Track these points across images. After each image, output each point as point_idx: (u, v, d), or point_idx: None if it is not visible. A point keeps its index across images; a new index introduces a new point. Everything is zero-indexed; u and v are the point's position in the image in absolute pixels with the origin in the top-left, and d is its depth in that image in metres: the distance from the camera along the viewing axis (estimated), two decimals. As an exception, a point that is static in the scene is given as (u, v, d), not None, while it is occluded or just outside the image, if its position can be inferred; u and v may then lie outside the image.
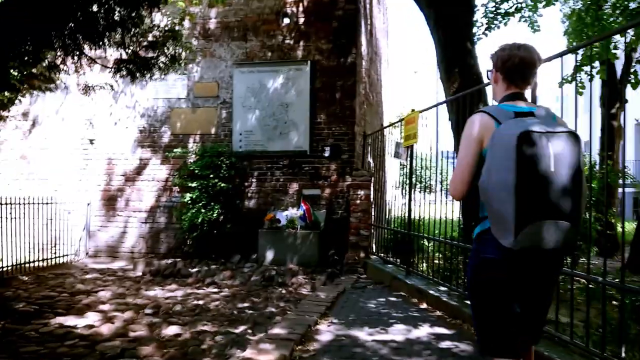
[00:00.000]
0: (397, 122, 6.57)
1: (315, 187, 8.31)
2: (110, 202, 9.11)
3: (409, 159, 6.14)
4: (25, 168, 9.49)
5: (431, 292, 5.01)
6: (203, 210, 8.02)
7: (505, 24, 8.93)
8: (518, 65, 2.07)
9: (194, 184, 8.14)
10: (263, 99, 8.53)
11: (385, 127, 7.66)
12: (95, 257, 9.00)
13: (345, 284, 6.39)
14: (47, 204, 8.20)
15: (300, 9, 8.46)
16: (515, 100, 2.07)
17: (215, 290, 6.33)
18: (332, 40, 8.31)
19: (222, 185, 8.12)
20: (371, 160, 8.62)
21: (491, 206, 1.87)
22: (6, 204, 7.19)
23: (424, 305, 5.03)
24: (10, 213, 7.23)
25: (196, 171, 8.21)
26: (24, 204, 7.55)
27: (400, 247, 6.39)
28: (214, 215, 8.00)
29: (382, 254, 7.35)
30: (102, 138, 9.20)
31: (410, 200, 6.05)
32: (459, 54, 6.47)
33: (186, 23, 8.72)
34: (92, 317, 4.82)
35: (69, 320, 4.69)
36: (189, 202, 8.14)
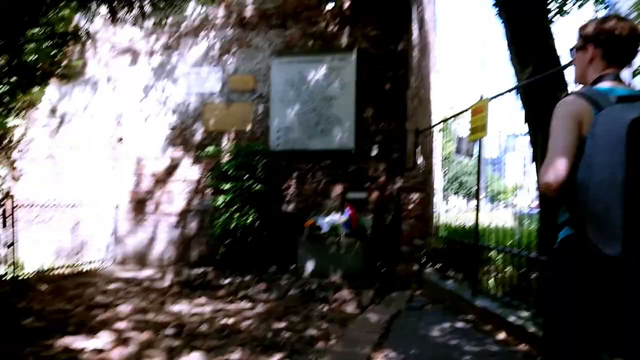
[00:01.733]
0: (462, 112, 5.59)
1: (361, 190, 7.42)
2: (139, 205, 8.48)
3: (475, 155, 5.20)
4: (52, 168, 8.99)
5: (511, 319, 4.03)
6: (237, 215, 7.26)
7: (580, 6, 7.84)
8: (627, 39, 1.74)
9: (227, 186, 7.40)
10: (303, 93, 7.72)
11: (447, 119, 6.71)
12: (123, 264, 8.38)
13: (398, 302, 5.49)
14: (73, 206, 7.68)
15: (346, -9, 7.62)
16: (613, 82, 1.74)
17: (248, 305, 5.57)
18: (381, 26, 7.42)
19: (258, 187, 7.35)
20: (421, 161, 7.68)
21: (592, 208, 1.58)
22: (30, 206, 6.74)
23: (501, 336, 4.06)
24: (36, 216, 6.77)
25: (230, 172, 7.46)
26: (49, 206, 7.05)
27: (465, 259, 5.44)
28: (249, 220, 7.23)
29: (438, 266, 6.41)
30: (131, 136, 8.60)
31: (478, 205, 5.09)
32: (534, 33, 5.52)
33: (220, 11, 8.07)
34: (104, 338, 4.15)
35: (78, 342, 4.03)
36: (222, 205, 7.40)
